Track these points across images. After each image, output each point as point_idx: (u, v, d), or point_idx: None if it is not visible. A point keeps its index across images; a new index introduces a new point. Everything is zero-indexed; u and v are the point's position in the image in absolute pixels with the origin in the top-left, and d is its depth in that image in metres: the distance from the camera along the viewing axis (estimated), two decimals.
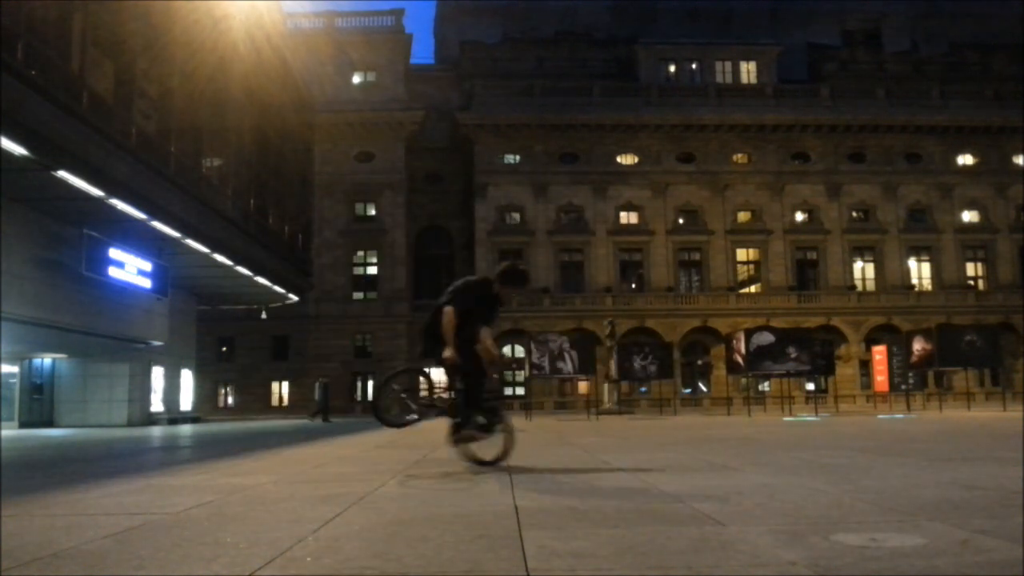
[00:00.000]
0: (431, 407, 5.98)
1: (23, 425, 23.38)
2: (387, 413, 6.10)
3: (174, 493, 4.85)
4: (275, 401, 44.54)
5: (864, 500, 3.92)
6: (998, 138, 47.51)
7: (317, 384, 29.84)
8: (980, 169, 47.73)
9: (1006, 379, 41.82)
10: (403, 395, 6.06)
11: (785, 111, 46.85)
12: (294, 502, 4.25)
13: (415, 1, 72.97)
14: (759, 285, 46.72)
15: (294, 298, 33.72)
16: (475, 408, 5.72)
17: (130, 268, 21.97)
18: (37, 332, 19.58)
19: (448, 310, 5.53)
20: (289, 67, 31.44)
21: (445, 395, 6.02)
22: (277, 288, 30.05)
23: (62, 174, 15.50)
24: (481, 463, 5.80)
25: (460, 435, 5.77)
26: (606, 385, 30.20)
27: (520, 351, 42.13)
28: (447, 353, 5.49)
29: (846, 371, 42.63)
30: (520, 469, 5.83)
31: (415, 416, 5.98)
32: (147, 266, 22.95)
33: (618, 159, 46.75)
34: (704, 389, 45.49)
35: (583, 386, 38.22)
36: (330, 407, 28.62)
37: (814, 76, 50.72)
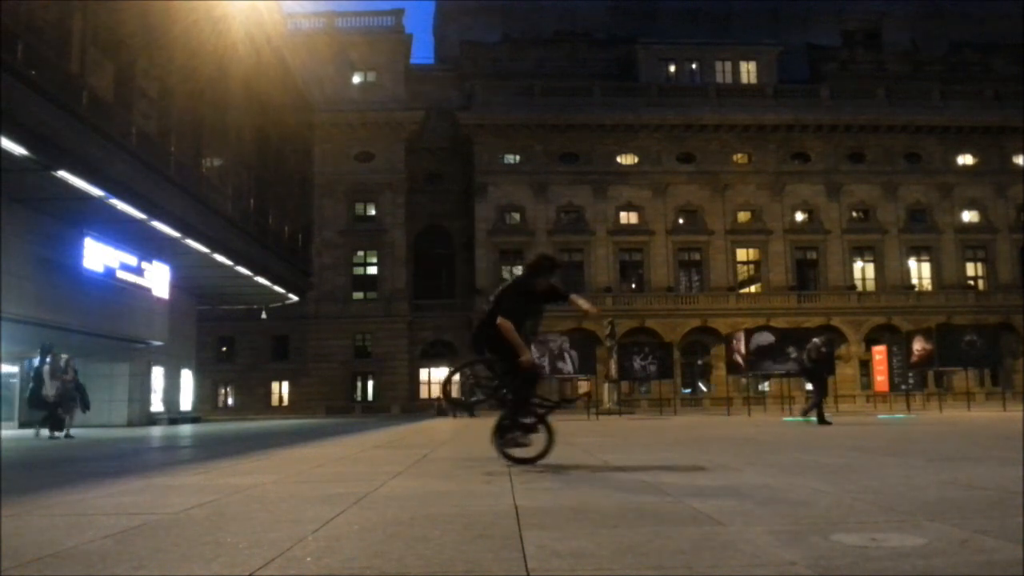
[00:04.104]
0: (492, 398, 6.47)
1: (23, 425, 23.35)
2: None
3: (174, 493, 4.85)
4: (275, 401, 44.56)
5: (864, 500, 3.92)
6: (998, 138, 47.49)
7: None
8: (980, 169, 47.71)
9: (1006, 379, 41.81)
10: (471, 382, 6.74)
11: (785, 111, 46.84)
12: (294, 502, 4.25)
13: (415, 1, 72.88)
14: (759, 285, 46.71)
15: (294, 298, 33.71)
16: (523, 410, 5.89)
17: (130, 268, 21.99)
18: (37, 332, 19.57)
19: (506, 323, 5.77)
20: (289, 67, 31.44)
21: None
22: (277, 288, 30.04)
23: (62, 174, 15.50)
24: (520, 461, 5.86)
25: (505, 439, 5.96)
26: (606, 385, 30.19)
27: None
28: (525, 357, 5.79)
29: (846, 371, 42.61)
30: (520, 469, 5.83)
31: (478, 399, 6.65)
32: (147, 266, 22.96)
33: (618, 159, 46.74)
34: (704, 389, 45.48)
35: (583, 386, 38.20)
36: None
37: (814, 76, 50.69)
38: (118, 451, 10.76)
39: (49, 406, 15.64)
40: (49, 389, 15.57)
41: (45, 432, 15.36)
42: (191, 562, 2.70)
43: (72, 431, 15.89)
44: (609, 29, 51.89)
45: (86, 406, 16.97)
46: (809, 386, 39.93)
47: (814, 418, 15.32)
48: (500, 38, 50.78)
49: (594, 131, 46.21)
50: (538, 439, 5.95)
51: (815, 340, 16.52)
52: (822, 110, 47.14)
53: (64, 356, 16.63)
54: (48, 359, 15.96)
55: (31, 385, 16.20)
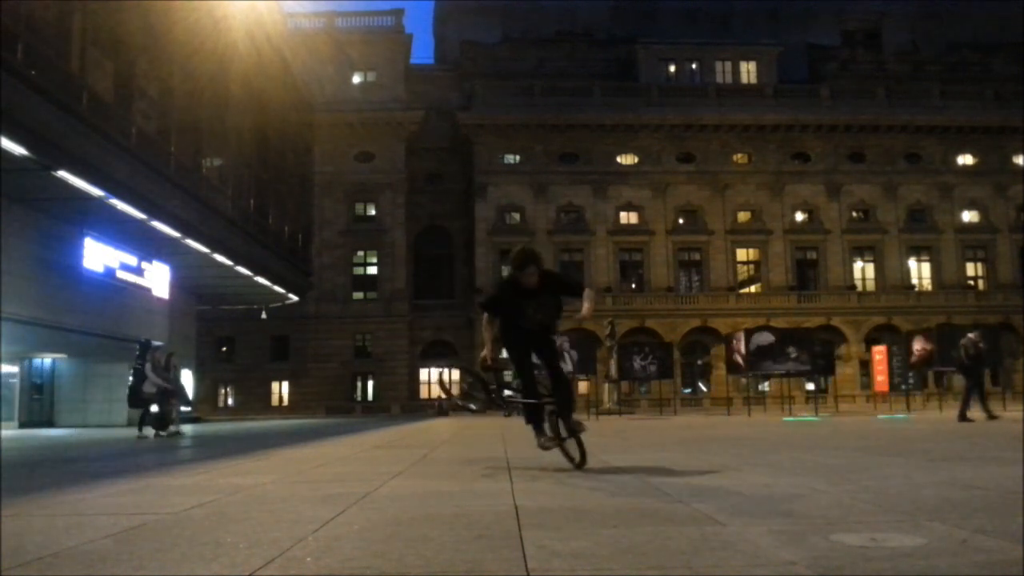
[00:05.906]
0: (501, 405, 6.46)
1: (23, 425, 23.36)
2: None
3: (174, 493, 4.85)
4: (275, 401, 44.56)
5: (864, 500, 3.92)
6: (998, 138, 47.49)
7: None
8: (980, 169, 47.72)
9: (1006, 379, 41.77)
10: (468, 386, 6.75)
11: (785, 111, 46.84)
12: (294, 502, 4.24)
13: (415, 1, 72.90)
14: (759, 285, 46.71)
15: (294, 298, 33.73)
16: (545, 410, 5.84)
17: (130, 268, 22.00)
18: (37, 332, 19.58)
19: (484, 316, 5.89)
20: (289, 67, 31.45)
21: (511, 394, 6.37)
22: (277, 288, 30.05)
23: (62, 174, 15.51)
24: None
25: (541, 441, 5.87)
26: (606, 385, 30.18)
27: None
28: (483, 352, 5.85)
29: (846, 371, 42.60)
30: (520, 469, 5.84)
31: (474, 407, 6.68)
32: (147, 266, 22.97)
33: (618, 159, 46.74)
34: (704, 389, 45.47)
35: (583, 386, 38.23)
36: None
37: (814, 76, 50.70)
38: (118, 451, 10.75)
39: (149, 404, 15.27)
40: (151, 387, 15.21)
41: (149, 431, 14.98)
42: (191, 562, 2.70)
43: (74, 431, 15.83)
44: (609, 29, 51.90)
45: (185, 402, 16.75)
46: (811, 385, 40.24)
47: (996, 414, 15.06)
48: (500, 38, 50.78)
49: (594, 131, 46.21)
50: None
51: (970, 336, 15.80)
52: (822, 110, 47.14)
53: (166, 353, 16.38)
54: (149, 356, 15.51)
55: (131, 383, 15.42)
